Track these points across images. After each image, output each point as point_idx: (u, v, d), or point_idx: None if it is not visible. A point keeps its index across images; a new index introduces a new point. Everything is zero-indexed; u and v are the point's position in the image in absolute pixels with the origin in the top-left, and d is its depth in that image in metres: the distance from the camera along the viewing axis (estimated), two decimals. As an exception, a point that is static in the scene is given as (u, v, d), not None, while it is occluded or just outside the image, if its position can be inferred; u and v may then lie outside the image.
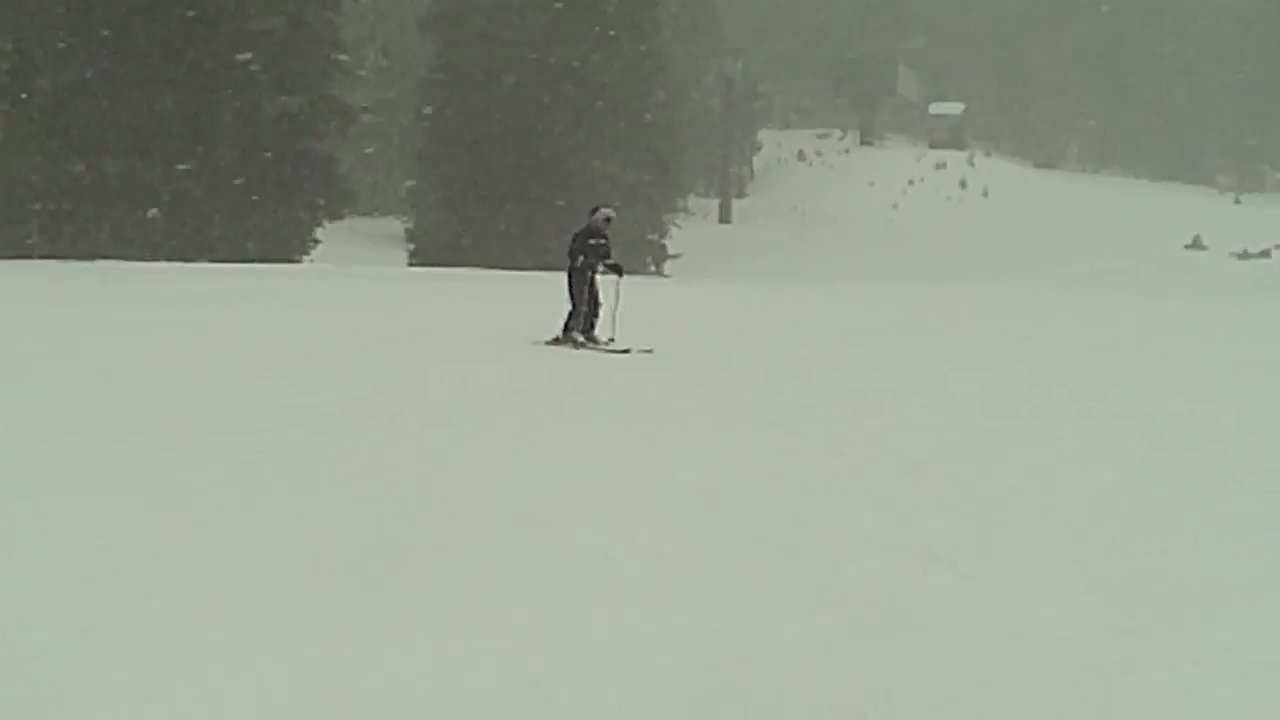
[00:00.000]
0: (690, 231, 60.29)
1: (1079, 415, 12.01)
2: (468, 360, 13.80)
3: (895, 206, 71.31)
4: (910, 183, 76.47)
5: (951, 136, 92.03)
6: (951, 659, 5.34)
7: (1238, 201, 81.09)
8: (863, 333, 19.21)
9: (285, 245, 38.41)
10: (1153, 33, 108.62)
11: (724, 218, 70.49)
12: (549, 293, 18.72)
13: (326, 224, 41.42)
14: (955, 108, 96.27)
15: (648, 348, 15.46)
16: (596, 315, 15.82)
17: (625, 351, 15.23)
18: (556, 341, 15.64)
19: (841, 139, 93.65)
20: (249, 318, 17.47)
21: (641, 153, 51.26)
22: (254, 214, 37.61)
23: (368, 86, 55.16)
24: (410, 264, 46.61)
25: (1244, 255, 56.93)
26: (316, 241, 40.77)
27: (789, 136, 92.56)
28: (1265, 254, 57.12)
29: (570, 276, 15.74)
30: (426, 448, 9.11)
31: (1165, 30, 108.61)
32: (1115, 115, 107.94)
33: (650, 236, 53.31)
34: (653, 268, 52.49)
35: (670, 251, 54.54)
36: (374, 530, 6.87)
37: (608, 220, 16.10)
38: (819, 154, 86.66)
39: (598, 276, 15.98)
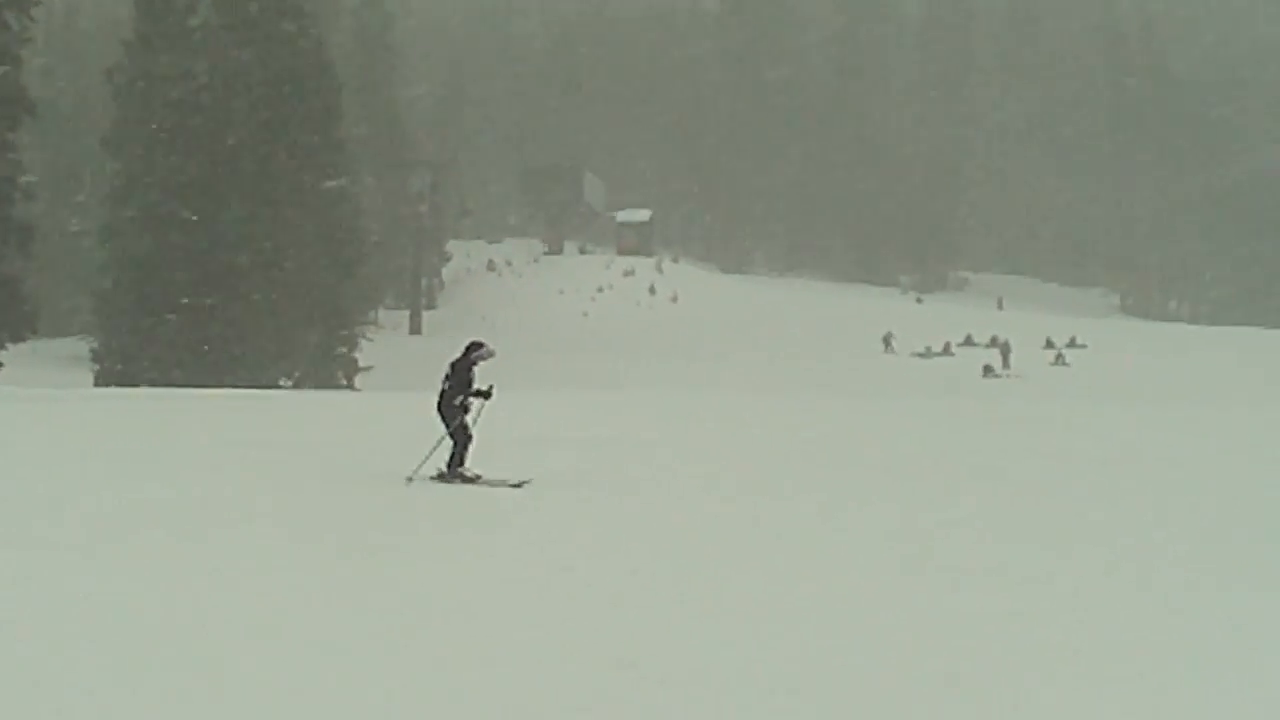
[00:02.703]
0: (381, 344, 59.43)
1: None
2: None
3: (585, 315, 72.00)
4: (600, 290, 77.47)
5: (639, 243, 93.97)
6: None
7: (919, 301, 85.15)
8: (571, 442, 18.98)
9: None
10: (835, 143, 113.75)
11: (414, 329, 69.89)
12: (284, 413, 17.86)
13: (9, 346, 39.21)
14: (642, 214, 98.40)
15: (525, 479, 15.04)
16: (467, 448, 15.34)
17: (519, 485, 14.81)
18: (442, 478, 15.07)
19: (530, 250, 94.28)
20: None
21: (330, 265, 50.37)
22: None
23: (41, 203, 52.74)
24: (96, 384, 44.36)
25: (926, 354, 59.35)
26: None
27: (478, 247, 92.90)
28: (948, 352, 59.67)
29: (443, 409, 15.27)
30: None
31: (848, 139, 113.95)
32: (801, 221, 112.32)
33: (340, 350, 52.19)
34: (343, 381, 51.36)
35: (361, 364, 53.49)
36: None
37: (487, 358, 15.73)
38: (508, 263, 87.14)
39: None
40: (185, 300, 45.24)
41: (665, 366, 55.09)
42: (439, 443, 15.21)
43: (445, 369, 15.48)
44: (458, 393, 15.25)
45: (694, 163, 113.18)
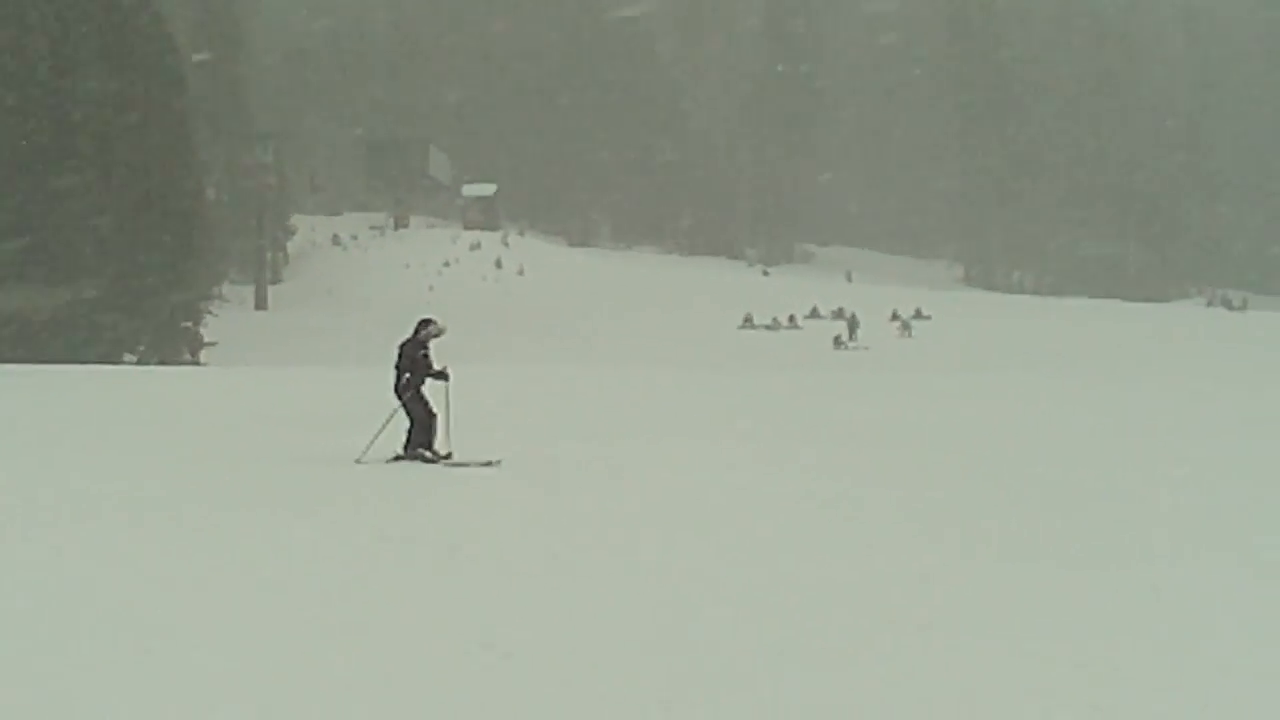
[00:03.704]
0: (226, 319, 59.25)
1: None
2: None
3: (431, 288, 72.35)
4: (446, 264, 77.85)
5: (485, 217, 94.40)
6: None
7: (766, 274, 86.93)
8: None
9: None
10: (681, 113, 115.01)
11: (260, 304, 69.64)
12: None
13: None
14: (488, 189, 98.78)
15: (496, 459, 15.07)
16: (433, 428, 15.18)
17: (489, 464, 14.82)
18: (399, 459, 14.95)
19: (375, 226, 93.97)
20: None
21: (173, 239, 50.14)
22: None
23: None
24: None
25: (774, 326, 60.71)
26: None
27: (323, 222, 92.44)
28: (795, 325, 61.12)
29: (400, 391, 15.11)
30: None
31: (691, 109, 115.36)
32: (647, 193, 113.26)
33: (185, 324, 52.07)
34: (188, 356, 51.27)
35: (207, 339, 53.39)
36: None
37: (437, 334, 15.43)
38: (354, 238, 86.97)
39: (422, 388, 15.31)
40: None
41: (512, 341, 55.88)
42: (385, 423, 15.15)
43: (421, 350, 15.17)
44: (407, 372, 15.09)
45: (539, 137, 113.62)
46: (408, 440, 15.08)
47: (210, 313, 56.17)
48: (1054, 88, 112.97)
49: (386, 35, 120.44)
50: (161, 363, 47.66)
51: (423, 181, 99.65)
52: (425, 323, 15.49)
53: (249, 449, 16.06)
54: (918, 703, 6.33)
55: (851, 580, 8.94)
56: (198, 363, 50.22)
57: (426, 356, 15.21)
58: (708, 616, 7.84)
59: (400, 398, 15.07)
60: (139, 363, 47.27)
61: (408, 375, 15.10)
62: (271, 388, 27.24)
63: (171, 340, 50.93)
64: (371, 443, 14.86)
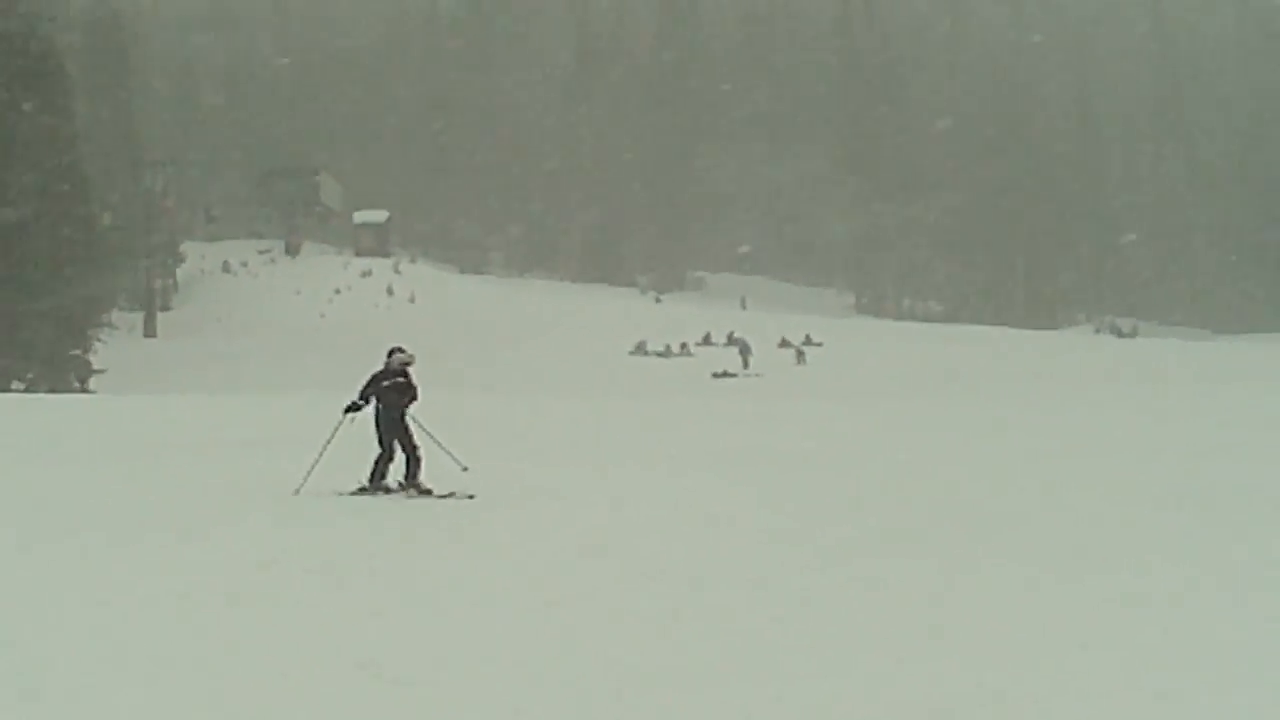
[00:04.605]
0: (115, 346, 59.01)
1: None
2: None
3: (322, 316, 72.49)
4: (337, 291, 77.93)
5: (377, 244, 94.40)
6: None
7: (659, 300, 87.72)
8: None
9: None
10: (571, 146, 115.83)
11: (149, 331, 69.36)
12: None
13: None
14: (379, 215, 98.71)
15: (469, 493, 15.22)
16: (418, 461, 15.23)
17: (447, 496, 14.97)
18: (363, 491, 15.08)
19: (266, 251, 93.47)
20: None
21: (61, 270, 50.05)
22: None
23: None
24: None
25: (666, 353, 61.37)
26: None
27: (214, 248, 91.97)
28: (686, 352, 61.67)
29: (377, 421, 15.27)
30: None
31: (580, 142, 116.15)
32: (539, 222, 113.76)
33: (74, 352, 51.87)
34: (77, 384, 51.08)
35: (96, 367, 53.19)
36: None
37: (406, 364, 15.53)
38: (244, 264, 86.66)
39: (408, 420, 15.45)
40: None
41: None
42: (321, 452, 15.28)
43: (369, 380, 15.36)
44: (387, 401, 15.25)
45: (431, 164, 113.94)
46: (407, 471, 15.20)
47: (100, 340, 55.97)
48: (947, 110, 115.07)
49: (276, 64, 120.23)
50: (50, 391, 47.48)
51: (315, 209, 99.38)
52: (396, 350, 15.76)
53: (144, 474, 16.58)
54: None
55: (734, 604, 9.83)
56: (87, 390, 50.06)
57: (402, 382, 15.33)
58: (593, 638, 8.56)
59: (385, 426, 15.21)
60: (26, 390, 47.06)
61: (375, 400, 15.28)
62: (161, 414, 27.64)
63: (59, 368, 50.69)
64: (311, 470, 15.07)
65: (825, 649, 8.24)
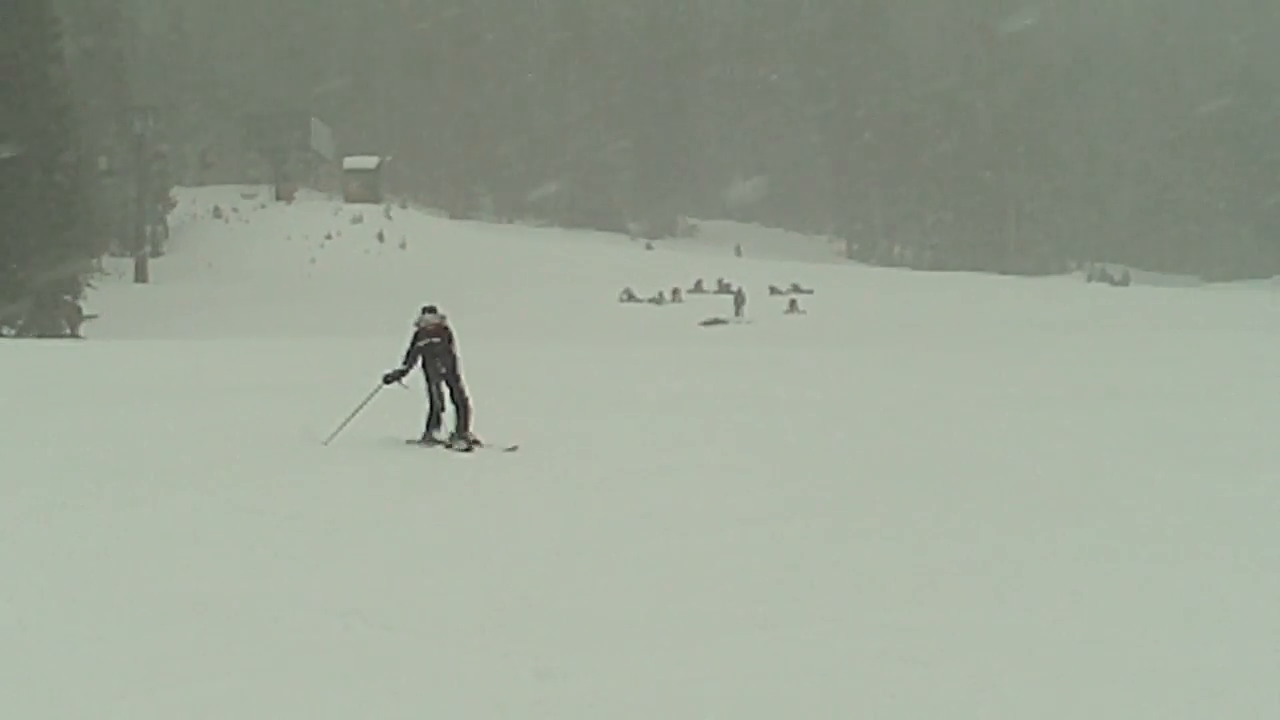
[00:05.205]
0: (106, 292, 58.96)
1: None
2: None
3: (313, 261, 72.33)
4: (328, 237, 77.68)
5: (367, 190, 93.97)
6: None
7: (649, 248, 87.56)
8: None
9: None
10: (560, 89, 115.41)
11: (140, 277, 69.16)
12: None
13: None
14: (369, 161, 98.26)
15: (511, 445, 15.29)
16: (468, 413, 15.34)
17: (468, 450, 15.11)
18: (424, 440, 15.31)
19: (255, 196, 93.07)
20: None
21: (52, 214, 49.92)
22: None
23: None
24: None
25: (659, 300, 61.31)
26: None
27: (204, 193, 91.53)
28: (678, 299, 61.58)
29: (426, 375, 15.45)
30: None
31: (570, 85, 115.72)
32: (529, 165, 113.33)
33: (65, 297, 51.87)
34: (68, 330, 51.11)
35: (86, 312, 53.20)
36: None
37: (440, 320, 15.64)
38: (235, 210, 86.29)
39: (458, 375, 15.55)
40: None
41: (392, 313, 56.03)
42: (358, 409, 15.28)
43: (420, 338, 15.47)
44: (427, 359, 15.39)
45: (423, 109, 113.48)
46: (458, 423, 15.38)
47: (90, 285, 55.95)
48: (940, 57, 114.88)
49: (267, 8, 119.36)
50: (40, 336, 47.48)
51: (305, 154, 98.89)
52: (429, 309, 16.00)
53: (136, 422, 16.67)
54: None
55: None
56: (77, 336, 50.09)
57: (437, 343, 15.48)
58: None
59: (428, 380, 15.44)
60: (17, 336, 47.09)
61: (420, 359, 15.44)
62: (155, 359, 27.69)
63: (49, 313, 50.68)
64: (346, 423, 15.11)
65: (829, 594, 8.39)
